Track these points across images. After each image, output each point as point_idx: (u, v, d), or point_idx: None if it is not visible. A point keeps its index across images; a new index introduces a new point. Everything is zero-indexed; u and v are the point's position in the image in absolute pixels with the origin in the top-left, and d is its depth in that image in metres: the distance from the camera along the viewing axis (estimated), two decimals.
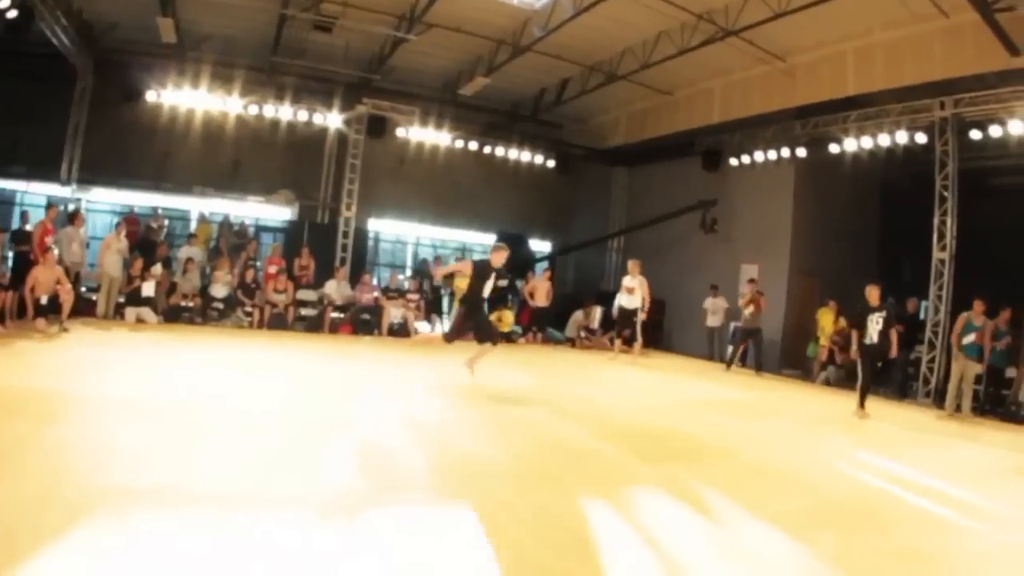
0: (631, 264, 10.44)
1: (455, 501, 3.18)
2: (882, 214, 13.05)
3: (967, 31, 8.05)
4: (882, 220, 13.02)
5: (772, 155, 11.57)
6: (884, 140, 10.28)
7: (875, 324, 7.22)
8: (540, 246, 15.02)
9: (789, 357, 11.32)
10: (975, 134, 9.42)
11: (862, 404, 7.23)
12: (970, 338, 8.01)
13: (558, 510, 3.18)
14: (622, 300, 10.29)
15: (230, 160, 12.60)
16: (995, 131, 9.13)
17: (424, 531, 2.78)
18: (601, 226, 14.62)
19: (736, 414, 6.80)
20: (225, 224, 12.03)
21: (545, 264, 11.67)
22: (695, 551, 2.87)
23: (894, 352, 7.60)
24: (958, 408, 7.99)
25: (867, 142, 10.45)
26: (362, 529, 2.75)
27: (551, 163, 13.60)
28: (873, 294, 7.36)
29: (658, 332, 12.55)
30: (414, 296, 11.33)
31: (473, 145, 12.79)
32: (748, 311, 10.52)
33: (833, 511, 3.73)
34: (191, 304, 10.03)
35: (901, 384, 9.91)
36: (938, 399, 8.83)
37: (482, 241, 14.31)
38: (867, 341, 7.30)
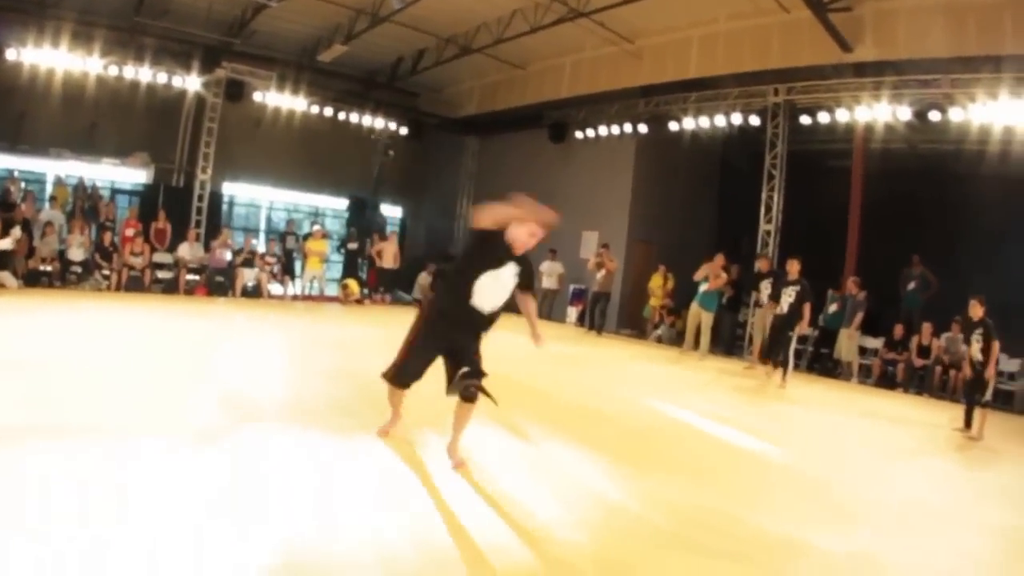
0: None
1: (300, 428, 3.74)
2: (720, 189, 13.99)
3: (804, 26, 8.73)
4: (720, 194, 13.97)
5: (615, 130, 12.24)
6: (721, 121, 11.06)
7: (788, 296, 7.76)
8: (392, 211, 15.37)
9: (627, 318, 12.21)
10: (805, 119, 10.25)
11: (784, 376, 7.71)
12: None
13: (392, 438, 3.70)
14: None
15: (88, 122, 12.28)
16: (823, 118, 9.97)
17: (278, 452, 3.30)
18: (451, 192, 15.12)
19: (567, 365, 7.51)
20: (79, 187, 11.85)
21: (392, 226, 12.07)
22: (513, 469, 3.51)
23: (804, 326, 7.83)
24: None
25: (705, 122, 11.21)
26: (228, 454, 3.18)
27: (404, 130, 13.89)
28: (793, 267, 7.85)
29: None
30: (270, 259, 11.59)
31: (329, 111, 12.93)
32: (600, 275, 11.11)
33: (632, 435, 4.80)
34: (49, 268, 9.95)
35: (728, 342, 10.98)
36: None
37: (334, 205, 14.57)
38: (778, 311, 7.86)
